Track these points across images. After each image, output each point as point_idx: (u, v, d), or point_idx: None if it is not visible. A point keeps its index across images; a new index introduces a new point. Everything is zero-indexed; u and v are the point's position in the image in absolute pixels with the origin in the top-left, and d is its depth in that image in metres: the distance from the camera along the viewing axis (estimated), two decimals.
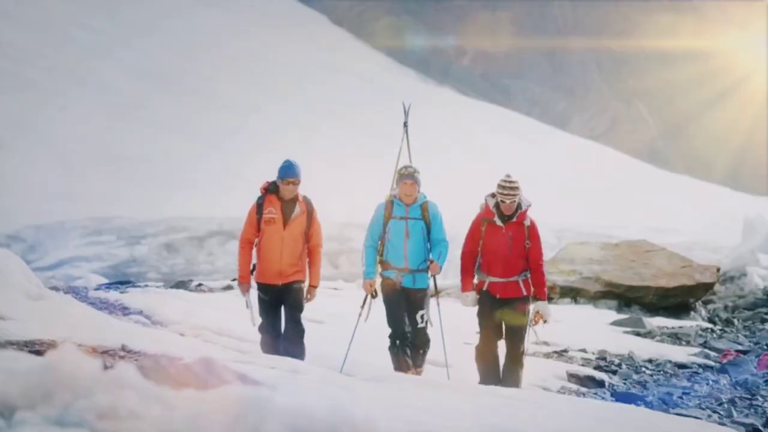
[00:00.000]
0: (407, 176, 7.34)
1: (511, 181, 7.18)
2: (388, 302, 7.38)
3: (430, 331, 7.46)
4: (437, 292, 7.64)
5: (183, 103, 56.34)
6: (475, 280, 7.41)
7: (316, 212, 7.36)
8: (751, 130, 77.18)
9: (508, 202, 7.17)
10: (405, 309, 7.36)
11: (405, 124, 8.04)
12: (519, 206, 7.26)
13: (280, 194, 7.25)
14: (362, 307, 7.58)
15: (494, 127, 67.61)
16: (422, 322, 7.37)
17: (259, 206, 7.27)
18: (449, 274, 7.85)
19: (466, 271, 7.39)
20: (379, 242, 7.42)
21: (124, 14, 67.27)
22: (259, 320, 7.36)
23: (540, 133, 70.46)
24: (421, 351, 7.43)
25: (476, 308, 7.42)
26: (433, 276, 7.50)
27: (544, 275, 7.36)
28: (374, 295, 7.46)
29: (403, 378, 5.80)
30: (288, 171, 7.22)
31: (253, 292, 7.42)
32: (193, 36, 66.72)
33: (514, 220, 7.26)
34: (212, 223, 34.20)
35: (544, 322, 7.38)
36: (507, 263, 7.24)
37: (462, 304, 7.59)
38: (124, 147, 46.41)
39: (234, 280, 7.64)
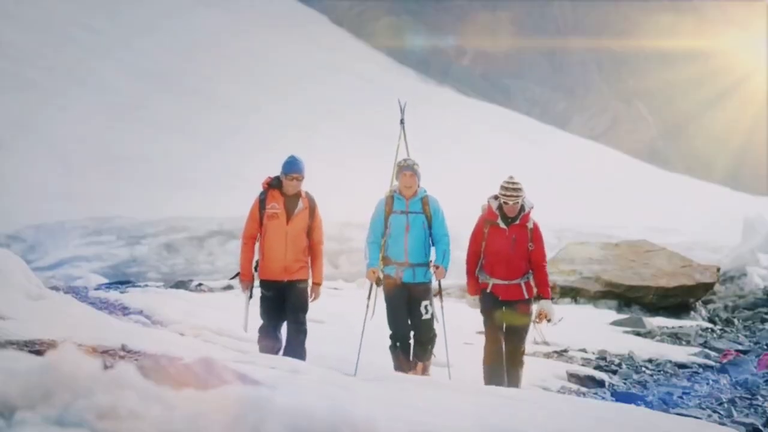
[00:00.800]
0: (406, 168, 7.36)
1: (514, 183, 7.16)
2: (389, 301, 7.36)
3: (436, 327, 7.44)
4: (440, 292, 7.63)
5: (183, 103, 56.32)
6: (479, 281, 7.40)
7: (318, 208, 7.34)
8: (751, 130, 77.15)
9: (511, 203, 7.15)
10: (406, 309, 7.34)
11: (401, 122, 8.07)
12: (522, 208, 7.25)
13: (283, 189, 7.22)
14: (368, 298, 7.55)
15: (494, 127, 67.58)
16: (427, 313, 7.33)
17: (262, 201, 7.24)
18: (450, 274, 7.84)
19: (472, 274, 7.38)
20: (382, 239, 7.40)
21: (124, 14, 67.25)
22: (251, 326, 7.28)
23: (540, 133, 70.42)
24: (429, 346, 7.41)
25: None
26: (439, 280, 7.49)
27: (547, 275, 7.35)
28: (378, 283, 7.44)
29: (403, 378, 5.80)
30: (292, 166, 7.21)
31: (252, 294, 7.38)
32: (193, 36, 66.69)
33: (517, 222, 7.24)
34: (212, 223, 34.18)
35: (548, 320, 7.38)
36: (510, 265, 7.23)
37: (467, 306, 7.58)
38: (124, 147, 46.39)
39: (234, 277, 7.58)
